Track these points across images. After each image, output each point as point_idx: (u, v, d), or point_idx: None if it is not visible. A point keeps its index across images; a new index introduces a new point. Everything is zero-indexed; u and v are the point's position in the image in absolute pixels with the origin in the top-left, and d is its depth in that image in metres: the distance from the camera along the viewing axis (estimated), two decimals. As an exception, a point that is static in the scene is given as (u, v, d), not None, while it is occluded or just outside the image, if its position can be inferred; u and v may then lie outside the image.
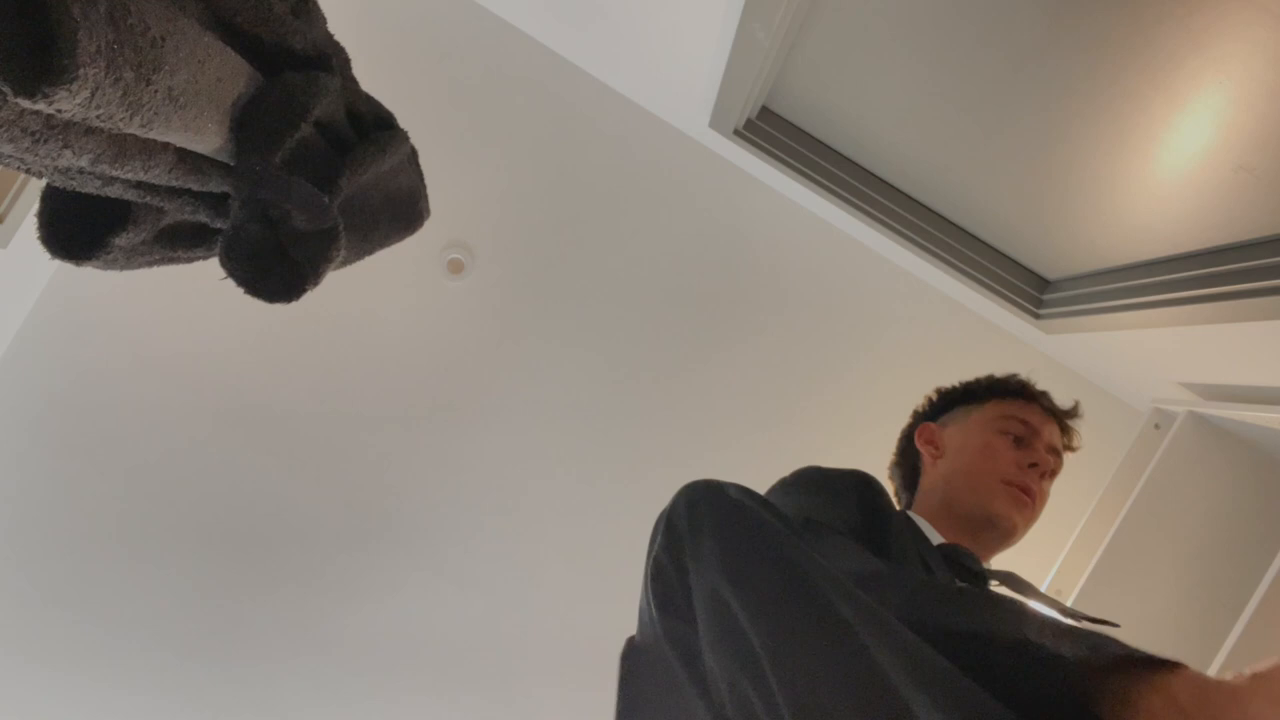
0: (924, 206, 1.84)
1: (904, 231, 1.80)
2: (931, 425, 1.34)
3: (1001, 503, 1.17)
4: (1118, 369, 2.13)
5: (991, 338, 2.27)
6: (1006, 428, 1.24)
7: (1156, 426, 2.00)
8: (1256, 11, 0.89)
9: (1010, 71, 1.26)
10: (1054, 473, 1.25)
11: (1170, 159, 1.26)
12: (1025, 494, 1.18)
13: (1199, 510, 1.85)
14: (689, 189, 2.31)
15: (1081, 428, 2.29)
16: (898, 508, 1.20)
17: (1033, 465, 1.20)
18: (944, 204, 1.82)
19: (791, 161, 1.73)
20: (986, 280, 1.85)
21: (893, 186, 1.82)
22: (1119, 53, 1.09)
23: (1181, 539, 1.85)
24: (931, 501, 1.24)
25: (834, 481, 1.12)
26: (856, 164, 1.79)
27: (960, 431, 1.29)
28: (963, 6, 1.17)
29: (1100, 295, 1.68)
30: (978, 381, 1.35)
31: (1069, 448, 1.32)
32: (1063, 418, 1.31)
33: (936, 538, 1.16)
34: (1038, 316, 1.89)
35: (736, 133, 1.75)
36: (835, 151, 1.78)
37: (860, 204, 1.79)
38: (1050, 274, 1.88)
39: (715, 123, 1.80)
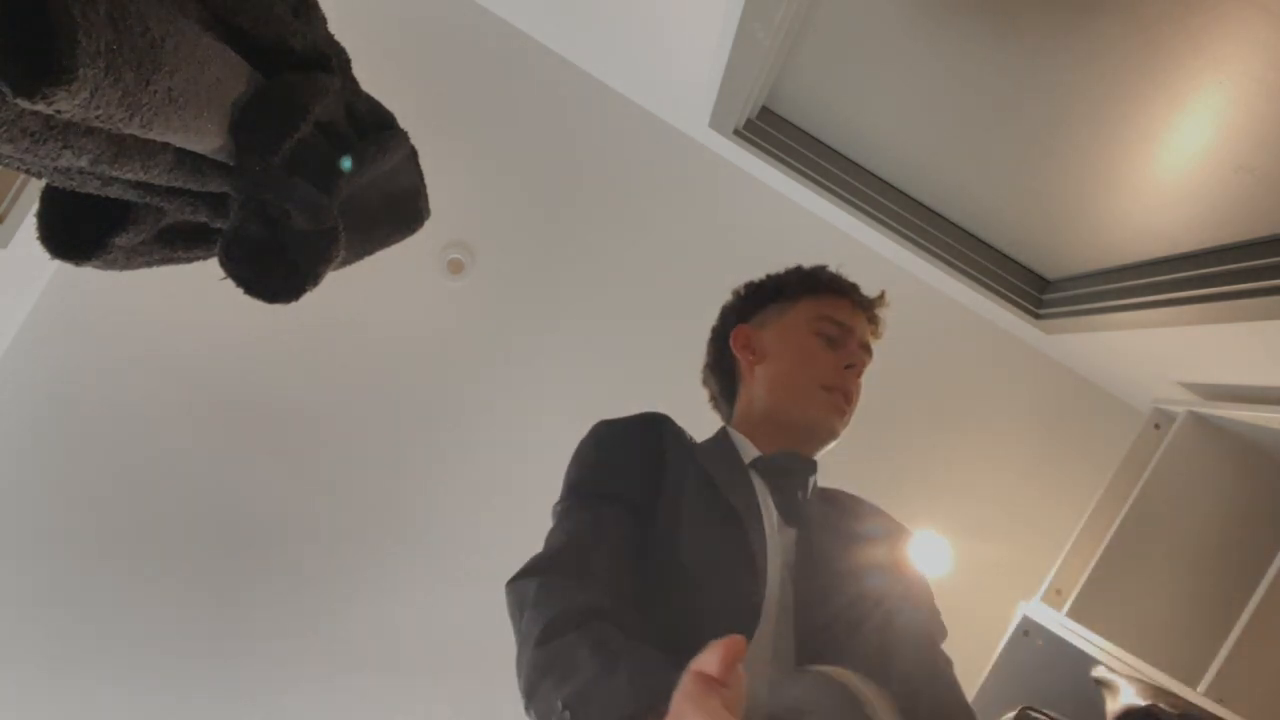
0: (924, 206, 1.84)
1: (904, 231, 1.80)
2: (746, 328, 1.28)
3: (822, 410, 1.17)
4: (1118, 369, 2.13)
5: (992, 337, 2.27)
6: (821, 328, 1.20)
7: (1156, 426, 2.00)
8: (1256, 11, 0.89)
9: (1010, 71, 1.26)
10: (865, 365, 1.24)
11: (1170, 159, 1.26)
12: (844, 398, 1.18)
13: (1199, 510, 1.85)
14: (689, 189, 2.31)
15: (1081, 427, 2.28)
16: (696, 435, 1.20)
17: (849, 367, 1.18)
18: (944, 204, 1.82)
19: (791, 161, 1.73)
20: (986, 280, 1.85)
21: (893, 186, 1.82)
22: (1119, 52, 1.09)
23: (1181, 539, 1.85)
24: (753, 413, 1.22)
25: (611, 439, 1.13)
26: (856, 164, 1.79)
27: (776, 335, 1.24)
28: (962, 7, 1.17)
29: (1100, 295, 1.68)
30: (788, 275, 1.30)
31: (875, 337, 1.28)
32: (871, 309, 1.27)
33: (751, 451, 1.16)
34: (1038, 316, 1.88)
35: (736, 133, 1.75)
36: (835, 151, 1.78)
37: (860, 204, 1.79)
38: (1050, 274, 1.87)
39: (715, 123, 1.80)
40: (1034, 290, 1.87)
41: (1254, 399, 1.72)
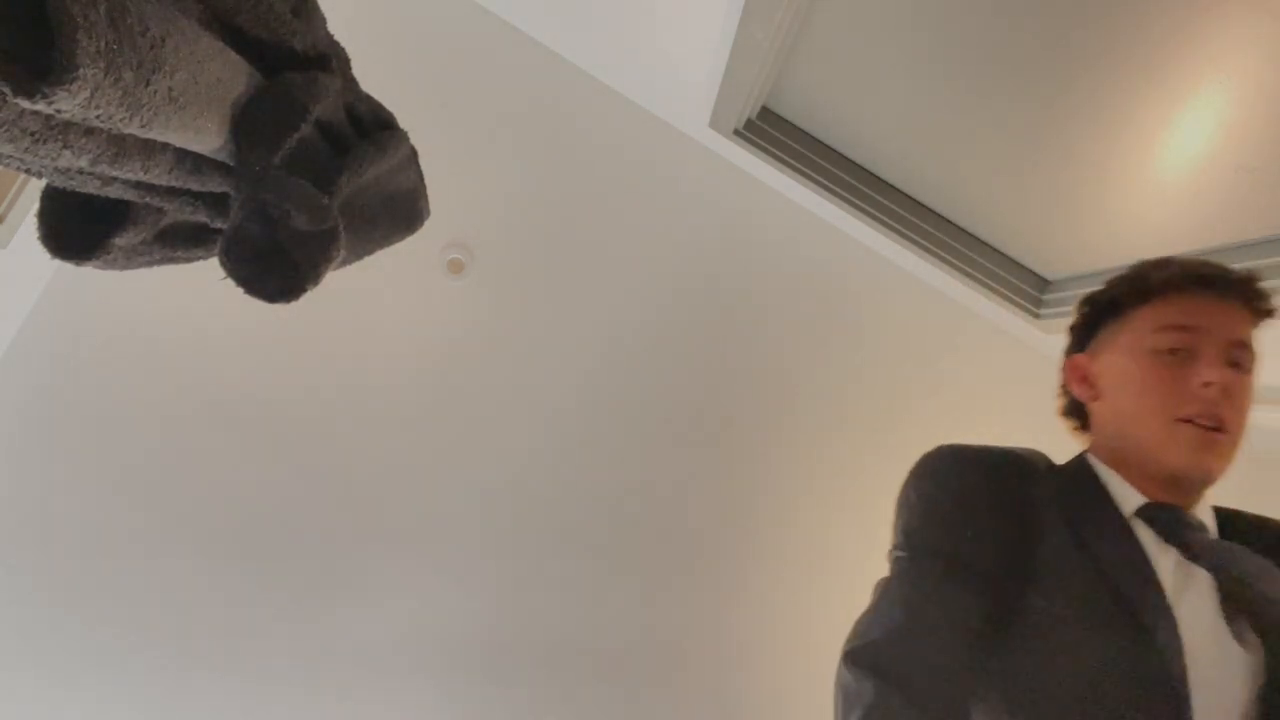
0: (924, 206, 1.84)
1: (904, 231, 1.80)
2: (1080, 358, 1.10)
3: (1181, 451, 0.92)
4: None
5: (991, 338, 2.27)
6: (1162, 343, 0.96)
7: (1156, 426, 2.00)
8: (1256, 11, 0.89)
9: (1010, 72, 1.26)
10: (1244, 366, 0.96)
11: (1170, 159, 1.26)
12: (1210, 426, 0.92)
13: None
14: (689, 189, 2.31)
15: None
16: (1067, 464, 1.03)
17: (1208, 384, 0.92)
18: (944, 204, 1.82)
19: (791, 161, 1.73)
20: (986, 280, 1.85)
21: (893, 186, 1.82)
22: (1119, 51, 1.09)
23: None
24: (1109, 449, 1.03)
25: (971, 485, 0.94)
26: (856, 164, 1.79)
27: (1113, 361, 1.02)
28: (962, 7, 1.17)
29: (1100, 295, 1.68)
30: (1118, 282, 1.05)
31: (1265, 315, 0.98)
32: (1239, 290, 0.96)
33: (1133, 497, 0.95)
34: (1038, 316, 1.89)
35: (736, 133, 1.75)
36: (835, 151, 1.78)
37: (860, 204, 1.79)
38: (1050, 274, 1.88)
39: (715, 123, 1.80)
40: (1034, 290, 1.87)
41: (1254, 399, 1.72)
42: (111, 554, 2.18)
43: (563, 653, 2.36)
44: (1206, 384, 0.92)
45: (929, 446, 1.02)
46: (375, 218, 1.05)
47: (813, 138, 1.77)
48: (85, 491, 2.17)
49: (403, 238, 1.16)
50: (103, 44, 0.51)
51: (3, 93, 0.49)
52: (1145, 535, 0.91)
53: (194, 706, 2.24)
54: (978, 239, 1.83)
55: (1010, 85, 1.29)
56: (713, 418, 2.33)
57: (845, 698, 0.80)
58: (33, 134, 0.55)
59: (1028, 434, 2.37)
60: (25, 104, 0.49)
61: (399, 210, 1.13)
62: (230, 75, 0.70)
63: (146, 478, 2.20)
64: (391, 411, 2.29)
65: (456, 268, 2.25)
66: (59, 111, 0.51)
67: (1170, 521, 0.91)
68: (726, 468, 2.34)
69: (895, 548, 0.95)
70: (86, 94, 0.51)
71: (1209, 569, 0.86)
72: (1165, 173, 1.30)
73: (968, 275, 1.86)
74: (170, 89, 0.59)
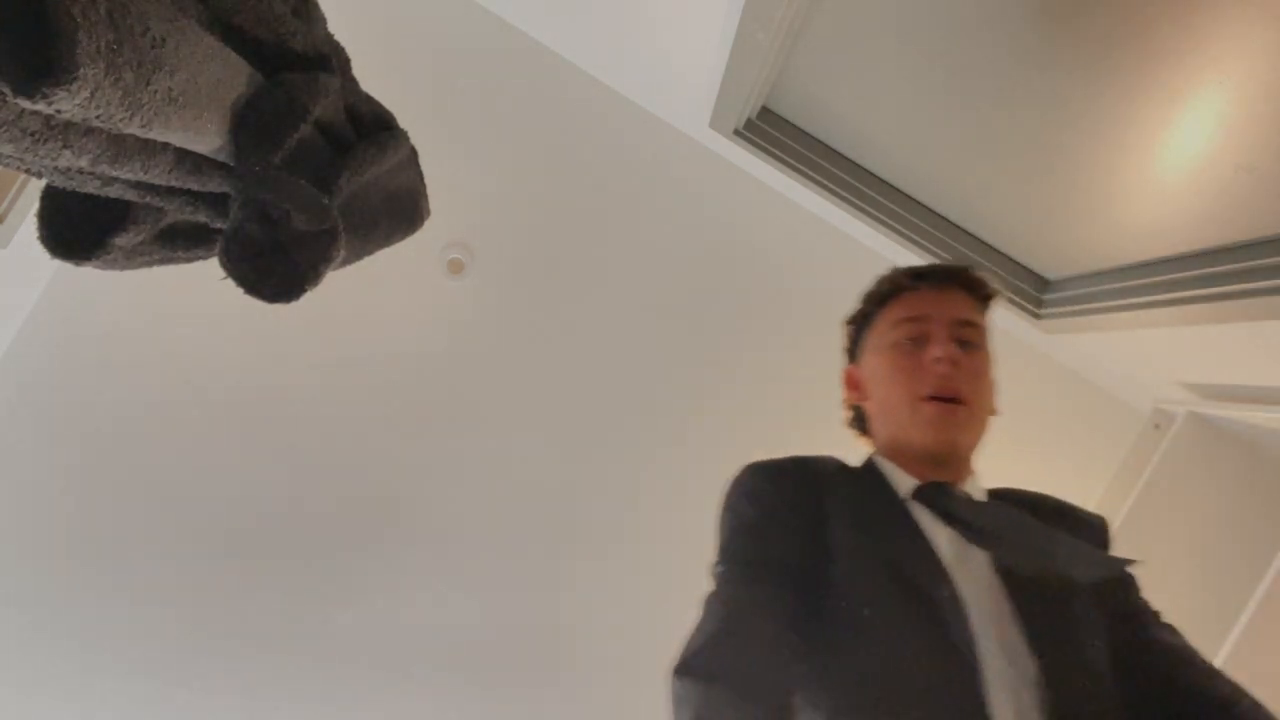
0: (924, 206, 1.84)
1: (904, 231, 1.81)
2: (850, 369, 1.20)
3: (925, 428, 1.00)
4: (1118, 369, 2.13)
5: (992, 338, 2.27)
6: (899, 335, 1.07)
7: (1156, 426, 2.01)
8: (1255, 10, 0.89)
9: (1010, 70, 1.26)
10: (972, 342, 1.06)
11: (1170, 159, 1.26)
12: (945, 398, 1.00)
13: (1199, 510, 1.85)
14: (689, 189, 2.31)
15: (1082, 427, 2.26)
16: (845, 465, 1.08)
17: (937, 359, 1.01)
18: (944, 204, 1.82)
19: (791, 161, 1.73)
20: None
21: (893, 186, 1.82)
22: (1119, 51, 1.09)
23: (1181, 539, 1.85)
24: (883, 443, 1.10)
25: (764, 490, 1.01)
26: (856, 163, 1.79)
27: (870, 363, 1.13)
28: (962, 7, 1.17)
29: (1100, 295, 1.68)
30: (865, 296, 1.18)
31: (986, 299, 1.12)
32: (957, 278, 1.10)
33: (907, 481, 1.02)
34: (1038, 317, 1.89)
35: (737, 133, 1.75)
36: (835, 151, 1.78)
37: (860, 204, 1.79)
38: (1050, 274, 1.88)
39: (715, 123, 1.80)
40: (1034, 290, 1.87)
41: (1254, 399, 1.72)
42: (111, 553, 2.19)
43: (562, 652, 2.36)
44: (936, 359, 1.02)
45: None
46: (376, 218, 1.05)
47: (813, 138, 1.77)
48: (85, 490, 2.17)
49: (403, 238, 1.16)
50: (103, 44, 0.51)
51: (3, 93, 0.49)
52: (922, 515, 0.98)
53: (193, 706, 2.24)
54: (978, 239, 1.83)
55: (1010, 86, 1.29)
56: (713, 417, 2.34)
57: (677, 707, 0.81)
58: (33, 134, 0.55)
59: (1028, 433, 2.37)
60: (25, 104, 0.49)
61: (399, 210, 1.13)
62: (230, 75, 0.70)
63: (146, 477, 2.20)
64: (391, 411, 2.29)
65: (456, 268, 2.26)
66: (59, 111, 0.51)
67: (936, 496, 0.98)
68: (729, 467, 2.33)
69: (715, 564, 0.98)
70: (86, 94, 0.51)
71: (975, 535, 0.93)
72: (1165, 173, 1.30)
73: (968, 275, 1.86)
74: (170, 89, 0.59)
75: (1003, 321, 2.14)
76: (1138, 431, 2.03)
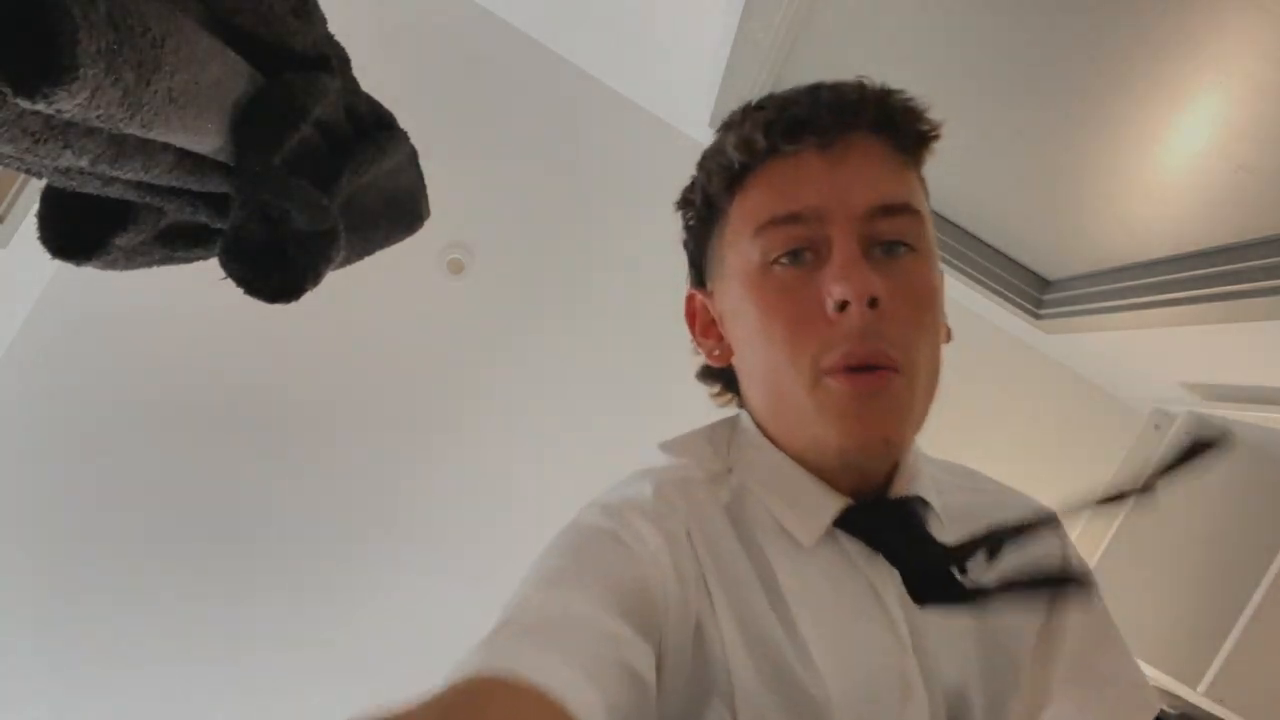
0: (924, 206, 1.84)
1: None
2: (695, 296, 0.79)
3: (831, 423, 0.60)
4: (1118, 369, 2.13)
5: (992, 337, 2.27)
6: (769, 250, 0.63)
7: (1156, 427, 2.01)
8: (1256, 11, 0.89)
9: (1009, 70, 1.26)
10: (903, 242, 0.63)
11: (1170, 159, 1.26)
12: (865, 367, 0.59)
13: (1199, 510, 1.85)
14: (689, 189, 2.30)
15: (1082, 427, 2.24)
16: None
17: (842, 305, 0.59)
18: (944, 204, 1.82)
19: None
20: (986, 280, 1.85)
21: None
22: (1118, 50, 1.09)
23: (1181, 540, 1.85)
24: (770, 428, 0.70)
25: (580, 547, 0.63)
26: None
27: (729, 294, 0.70)
28: (961, 6, 1.17)
29: (1100, 295, 1.68)
30: (701, 163, 0.75)
31: (918, 147, 0.69)
32: (860, 118, 0.65)
33: (825, 500, 0.65)
34: (1038, 317, 1.89)
35: (736, 133, 1.75)
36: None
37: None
38: (1050, 274, 1.88)
39: (716, 122, 1.80)
40: (1034, 290, 1.87)
41: (1254, 399, 1.72)
42: (111, 553, 2.18)
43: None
44: (841, 304, 0.59)
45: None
46: (375, 218, 1.05)
47: (813, 138, 1.76)
48: (85, 490, 2.17)
49: (403, 238, 1.16)
50: (103, 44, 0.51)
51: (3, 93, 0.49)
52: (860, 559, 0.65)
53: (192, 705, 2.24)
54: (978, 239, 1.83)
55: (1010, 85, 1.29)
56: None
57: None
58: (33, 134, 0.55)
59: (1028, 433, 2.37)
60: (25, 104, 0.49)
61: (399, 211, 1.13)
62: (231, 75, 0.70)
63: (146, 477, 2.20)
64: (392, 411, 2.29)
65: (456, 268, 2.26)
66: (59, 112, 0.51)
67: (882, 526, 0.64)
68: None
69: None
70: (87, 94, 0.51)
71: (956, 596, 0.59)
72: (1165, 173, 1.30)
73: (968, 275, 1.86)
74: (170, 89, 0.59)
75: (1002, 321, 2.14)
76: (1137, 432, 2.03)
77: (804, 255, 0.63)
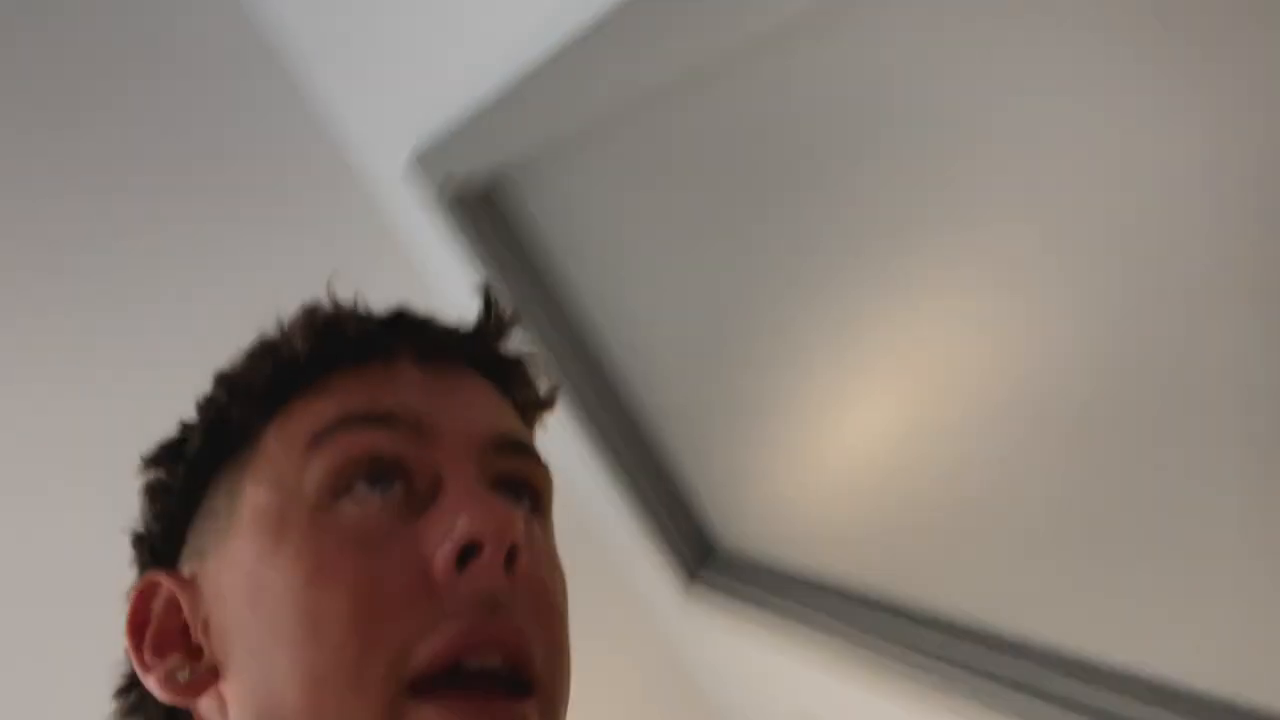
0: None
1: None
2: (159, 583, 0.45)
3: None
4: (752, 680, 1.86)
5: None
6: (340, 464, 0.40)
7: None
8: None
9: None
10: (520, 491, 0.45)
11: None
12: (473, 687, 0.36)
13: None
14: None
15: None
16: None
17: (467, 553, 0.37)
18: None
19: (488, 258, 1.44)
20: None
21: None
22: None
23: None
24: None
25: None
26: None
27: (230, 570, 0.42)
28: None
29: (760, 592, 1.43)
30: (219, 390, 0.48)
31: (540, 409, 0.51)
32: (476, 350, 0.49)
33: None
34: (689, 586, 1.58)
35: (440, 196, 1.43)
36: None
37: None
38: (722, 542, 1.60)
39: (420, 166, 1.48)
40: (695, 550, 1.58)
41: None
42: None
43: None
44: (464, 550, 0.37)
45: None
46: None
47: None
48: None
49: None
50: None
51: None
52: None
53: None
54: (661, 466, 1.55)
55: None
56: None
57: None
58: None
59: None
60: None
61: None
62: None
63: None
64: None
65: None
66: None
67: None
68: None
69: None
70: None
71: None
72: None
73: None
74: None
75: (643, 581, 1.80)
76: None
77: (393, 485, 0.40)
